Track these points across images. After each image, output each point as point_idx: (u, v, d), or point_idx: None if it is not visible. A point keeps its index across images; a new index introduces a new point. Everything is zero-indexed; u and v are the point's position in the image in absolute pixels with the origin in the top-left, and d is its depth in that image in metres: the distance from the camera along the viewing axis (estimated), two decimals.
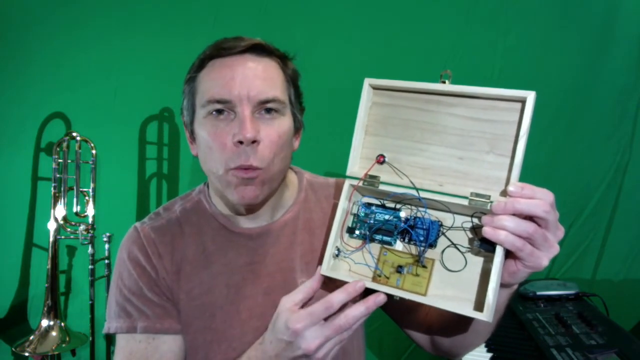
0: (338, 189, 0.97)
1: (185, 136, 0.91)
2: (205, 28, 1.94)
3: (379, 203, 0.81)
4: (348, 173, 0.81)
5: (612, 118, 1.89)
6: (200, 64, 0.83)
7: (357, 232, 0.81)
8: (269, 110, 0.81)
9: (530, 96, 0.66)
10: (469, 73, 1.86)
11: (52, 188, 1.87)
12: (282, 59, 0.86)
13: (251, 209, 0.88)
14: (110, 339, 1.97)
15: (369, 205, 0.82)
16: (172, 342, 0.86)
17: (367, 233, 0.80)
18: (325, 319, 0.71)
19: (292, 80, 0.87)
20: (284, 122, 0.83)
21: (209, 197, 0.93)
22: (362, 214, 0.81)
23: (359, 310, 0.70)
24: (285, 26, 1.94)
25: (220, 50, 0.81)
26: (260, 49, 0.82)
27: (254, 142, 0.78)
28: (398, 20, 1.93)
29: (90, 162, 1.88)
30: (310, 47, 1.94)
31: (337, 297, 0.71)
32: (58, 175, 1.86)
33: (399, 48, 1.92)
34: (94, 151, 1.87)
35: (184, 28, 1.92)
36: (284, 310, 0.74)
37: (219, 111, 0.80)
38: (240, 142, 0.77)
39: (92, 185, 1.88)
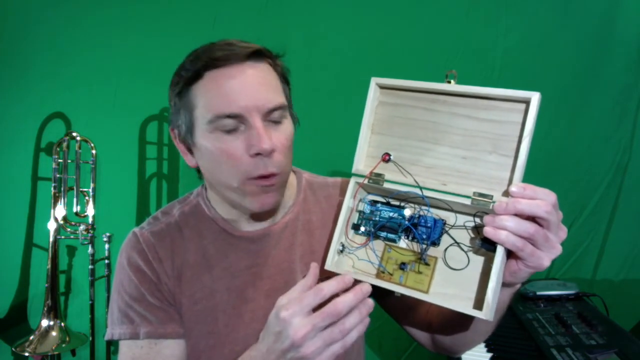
0: (336, 189, 0.98)
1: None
2: (205, 28, 1.94)
3: (384, 201, 0.82)
4: (354, 171, 0.82)
5: (612, 118, 1.89)
6: (195, 75, 0.79)
7: (362, 228, 0.82)
8: (275, 117, 0.80)
9: (535, 97, 0.66)
10: (469, 73, 1.86)
11: (52, 188, 1.86)
12: (273, 59, 0.85)
13: (263, 214, 0.88)
14: (110, 340, 1.97)
15: (374, 202, 0.82)
16: (175, 346, 0.86)
17: (372, 230, 0.81)
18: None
19: (284, 78, 0.87)
20: (289, 125, 0.84)
21: (207, 201, 0.92)
22: (368, 211, 0.82)
23: (348, 297, 0.68)
24: (286, 26, 1.94)
25: (216, 60, 0.78)
26: (256, 54, 0.80)
27: (271, 151, 0.78)
28: (398, 19, 1.93)
29: (90, 162, 1.88)
30: (310, 47, 1.94)
31: (328, 285, 0.69)
32: (58, 175, 1.86)
33: (399, 47, 1.92)
34: (94, 151, 1.87)
35: (184, 28, 1.92)
36: (278, 306, 0.72)
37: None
38: (258, 154, 0.77)
39: (92, 185, 1.88)
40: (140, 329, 0.84)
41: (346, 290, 0.70)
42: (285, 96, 0.84)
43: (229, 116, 0.77)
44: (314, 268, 0.75)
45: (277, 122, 0.81)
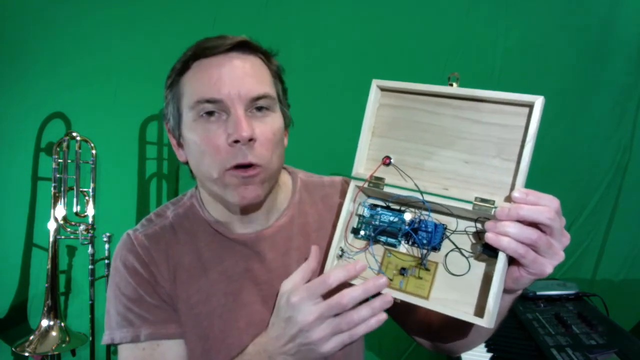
0: (333, 188, 0.97)
1: None
2: (205, 28, 1.93)
3: (384, 205, 0.81)
4: (354, 174, 0.80)
5: (612, 118, 1.89)
6: (184, 66, 0.81)
7: (362, 232, 0.80)
8: (260, 108, 0.80)
9: (538, 101, 0.65)
10: (469, 73, 1.86)
11: (52, 188, 1.86)
12: (266, 55, 0.85)
13: (248, 210, 0.86)
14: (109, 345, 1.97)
15: (374, 206, 0.81)
16: (178, 347, 0.84)
17: (372, 234, 0.79)
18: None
19: (278, 76, 0.86)
20: (276, 119, 0.82)
21: (201, 202, 0.91)
22: (368, 215, 0.81)
23: (355, 291, 0.69)
24: (286, 26, 1.94)
25: (204, 50, 0.79)
26: (245, 47, 0.81)
27: (250, 140, 0.76)
28: (398, 19, 1.93)
29: (90, 162, 1.88)
30: (310, 47, 1.94)
31: (335, 273, 0.70)
32: (58, 175, 1.86)
33: (399, 47, 1.92)
34: (94, 151, 1.87)
35: (184, 28, 1.92)
36: (285, 292, 0.74)
37: (210, 113, 0.78)
38: (236, 142, 0.76)
39: (92, 185, 1.88)
40: (142, 330, 0.82)
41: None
42: (276, 91, 0.84)
43: (209, 101, 0.77)
44: (315, 251, 0.78)
45: (262, 114, 0.80)
